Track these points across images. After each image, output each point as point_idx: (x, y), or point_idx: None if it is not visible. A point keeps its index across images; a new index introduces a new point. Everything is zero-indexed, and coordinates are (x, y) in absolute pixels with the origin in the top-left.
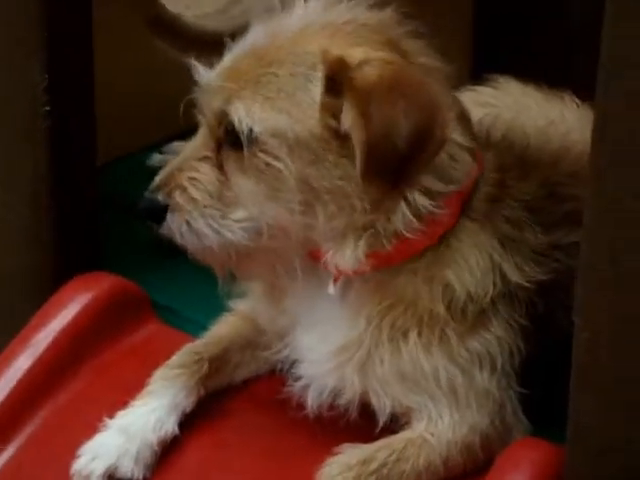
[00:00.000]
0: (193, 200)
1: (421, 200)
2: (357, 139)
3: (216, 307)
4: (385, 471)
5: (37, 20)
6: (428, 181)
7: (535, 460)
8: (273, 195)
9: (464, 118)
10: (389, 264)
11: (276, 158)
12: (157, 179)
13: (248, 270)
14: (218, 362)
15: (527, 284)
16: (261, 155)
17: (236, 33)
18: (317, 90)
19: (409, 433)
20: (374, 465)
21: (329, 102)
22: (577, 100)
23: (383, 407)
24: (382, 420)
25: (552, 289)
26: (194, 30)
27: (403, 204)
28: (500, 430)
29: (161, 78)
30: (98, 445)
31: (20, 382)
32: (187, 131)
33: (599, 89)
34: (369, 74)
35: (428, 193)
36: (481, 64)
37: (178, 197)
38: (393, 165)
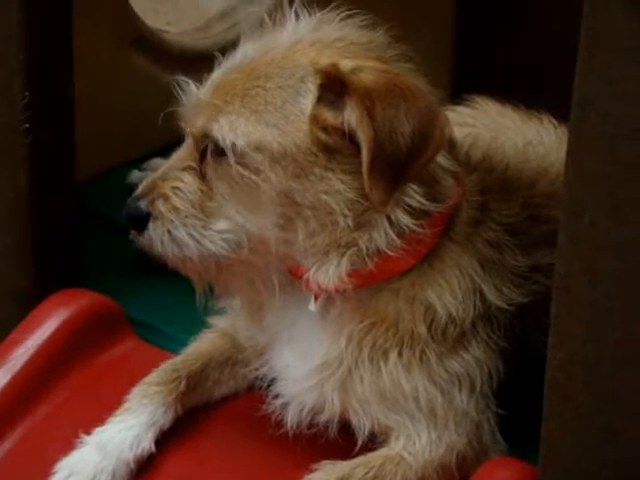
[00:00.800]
0: (175, 209)
1: (403, 218)
2: (365, 138)
3: (195, 324)
4: None
5: (17, 38)
6: (413, 199)
7: (509, 479)
8: (254, 207)
9: (451, 141)
10: (371, 282)
11: (256, 172)
12: (141, 187)
13: (227, 283)
14: (196, 379)
15: (506, 306)
16: (241, 168)
17: (219, 50)
18: (307, 102)
19: (387, 451)
20: None
21: (321, 113)
22: (554, 121)
23: (362, 426)
24: (361, 439)
25: (530, 311)
26: (176, 48)
27: (386, 222)
28: (477, 450)
29: (141, 96)
30: (75, 462)
31: None
32: (166, 147)
33: (573, 116)
34: (366, 78)
35: (411, 211)
36: (460, 85)
37: (160, 206)
38: (396, 164)
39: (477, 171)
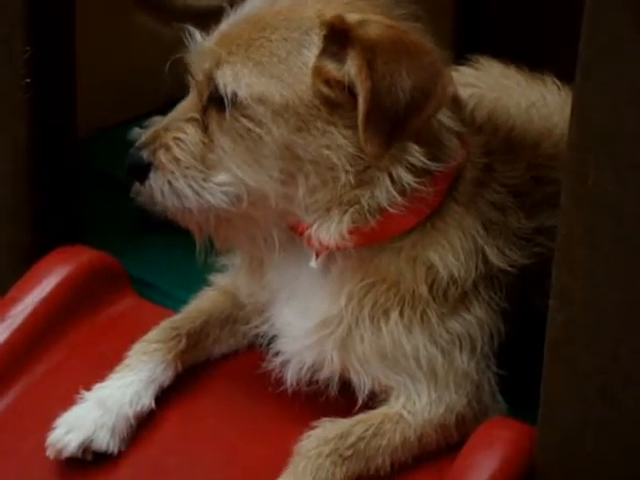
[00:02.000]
0: (176, 160)
1: (405, 176)
2: (362, 89)
3: (195, 282)
4: (362, 445)
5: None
6: (415, 157)
7: (507, 439)
8: (255, 161)
9: (456, 102)
10: (373, 242)
11: (259, 124)
12: (144, 136)
13: (227, 237)
14: (196, 337)
15: (509, 268)
16: (244, 120)
17: (221, 8)
18: (311, 55)
19: (386, 409)
20: (351, 439)
21: (324, 66)
22: (558, 83)
23: (363, 385)
24: (361, 398)
25: (533, 273)
26: (179, 5)
27: (387, 179)
28: (476, 410)
29: (143, 53)
30: (74, 417)
31: None
32: (168, 105)
33: (577, 78)
34: (372, 31)
35: (413, 170)
36: (463, 44)
37: (162, 156)
38: (393, 119)
39: (482, 132)
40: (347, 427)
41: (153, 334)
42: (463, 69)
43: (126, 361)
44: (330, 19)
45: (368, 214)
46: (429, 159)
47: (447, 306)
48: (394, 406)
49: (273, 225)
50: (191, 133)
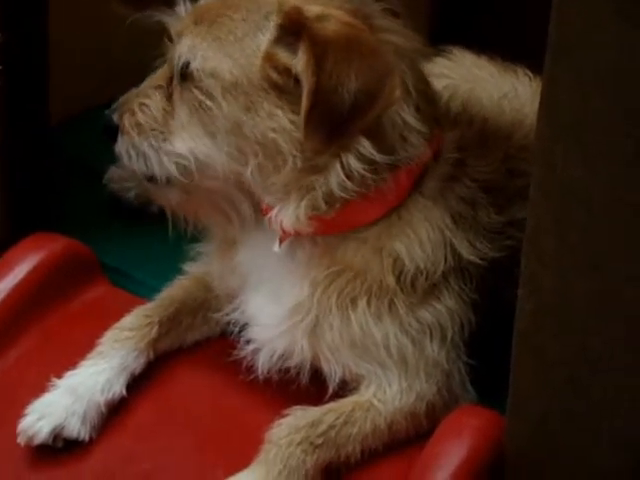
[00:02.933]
0: (138, 125)
1: (355, 164)
2: (307, 84)
3: (168, 270)
4: (332, 433)
5: None
6: (365, 148)
7: (476, 427)
8: (207, 133)
9: (429, 95)
10: (334, 230)
11: (210, 97)
12: (119, 100)
13: (192, 209)
14: (169, 324)
15: (479, 261)
16: (196, 92)
17: None
18: (265, 40)
19: (357, 397)
20: (322, 427)
21: (275, 53)
22: (530, 73)
23: (333, 373)
24: (332, 386)
25: (504, 264)
26: None
27: (338, 165)
28: (446, 399)
29: (117, 37)
30: (45, 404)
31: None
32: None
33: (546, 65)
34: (326, 27)
35: (362, 159)
36: (437, 34)
37: (126, 120)
38: (336, 118)
39: (457, 123)
40: (318, 415)
41: (125, 321)
42: (436, 59)
43: (98, 348)
44: (288, 9)
45: (325, 202)
46: (384, 153)
47: (416, 296)
48: (364, 394)
49: (240, 201)
50: (155, 100)
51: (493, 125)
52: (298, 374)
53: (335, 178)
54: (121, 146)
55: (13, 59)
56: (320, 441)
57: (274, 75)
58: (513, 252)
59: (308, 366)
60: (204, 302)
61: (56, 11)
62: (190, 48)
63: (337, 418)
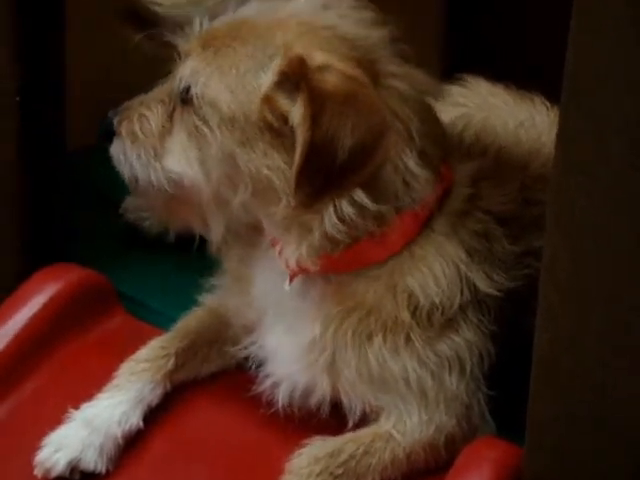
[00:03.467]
0: (133, 134)
1: (347, 209)
2: (302, 139)
3: (184, 300)
4: (353, 463)
5: (8, 10)
6: (358, 197)
7: (494, 459)
8: (199, 157)
9: (434, 141)
10: (343, 269)
11: (206, 124)
12: (124, 104)
13: (179, 213)
14: (185, 356)
15: (497, 293)
16: (194, 116)
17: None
18: (266, 80)
19: (376, 428)
20: (342, 457)
21: (274, 96)
22: (547, 103)
23: (354, 407)
24: (352, 419)
25: (522, 294)
26: (166, 21)
27: (331, 209)
28: (466, 431)
29: (133, 68)
30: (62, 437)
31: None
32: None
33: (563, 102)
34: (327, 80)
35: (356, 205)
36: (452, 63)
37: (124, 127)
38: (327, 173)
39: (471, 154)
40: (338, 445)
41: (142, 353)
42: (451, 88)
43: (115, 380)
44: (292, 57)
45: (325, 241)
46: (382, 201)
47: (433, 330)
48: (384, 425)
49: (226, 217)
50: (155, 113)
51: (508, 154)
52: (318, 408)
53: (329, 220)
54: (114, 149)
55: (30, 90)
56: (340, 471)
57: (271, 118)
58: (531, 281)
59: (328, 400)
60: (220, 334)
61: (72, 42)
62: (193, 72)
63: (357, 448)
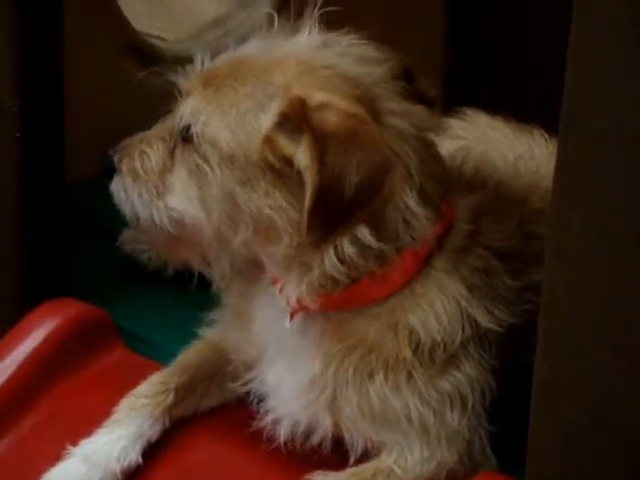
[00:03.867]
0: (135, 171)
1: (348, 249)
2: (310, 182)
3: (184, 334)
4: None
5: (7, 44)
6: (362, 235)
7: None
8: (200, 197)
9: (434, 178)
10: (343, 307)
11: (206, 162)
12: (124, 142)
13: (178, 252)
14: (184, 391)
15: (498, 328)
16: (195, 155)
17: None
18: (266, 121)
19: (377, 463)
20: None
21: (275, 138)
22: (545, 135)
23: (355, 443)
24: (354, 455)
25: (522, 329)
26: (168, 55)
27: (331, 250)
28: (467, 466)
29: (132, 100)
30: (61, 473)
31: None
32: None
33: (561, 131)
34: (328, 119)
35: (358, 244)
36: (454, 64)
37: (124, 164)
38: (338, 212)
39: (470, 189)
40: None
41: (141, 389)
42: (450, 121)
43: (114, 416)
44: (292, 98)
45: (325, 280)
46: (383, 239)
47: (435, 368)
48: (386, 460)
49: (227, 254)
50: (156, 151)
51: (507, 188)
52: (320, 444)
53: (328, 261)
54: (115, 186)
55: (29, 124)
56: None
57: (272, 159)
58: (531, 316)
59: (330, 437)
60: (220, 369)
61: (71, 74)
62: (193, 111)
63: None
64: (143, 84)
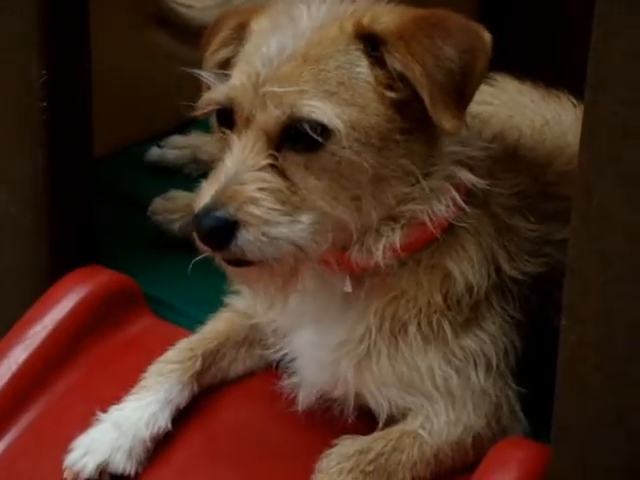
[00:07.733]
0: (270, 210)
1: (464, 174)
2: (413, 75)
3: (212, 301)
4: (382, 460)
5: (36, 16)
6: (470, 147)
7: (522, 459)
8: (339, 193)
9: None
10: (402, 255)
11: (356, 153)
12: (211, 198)
13: (295, 283)
14: (212, 358)
15: (520, 277)
16: (339, 152)
17: None
18: (364, 70)
19: (404, 426)
20: (371, 455)
21: (377, 74)
22: (573, 100)
23: (380, 408)
24: (381, 422)
25: (544, 283)
26: (196, 23)
27: (451, 187)
28: (495, 431)
29: (160, 72)
30: (91, 440)
31: (15, 375)
32: (185, 125)
33: (586, 100)
34: (389, 21)
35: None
36: None
37: (253, 210)
38: (455, 86)
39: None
40: (366, 443)
41: (170, 355)
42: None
43: (143, 382)
44: (353, 29)
45: (427, 219)
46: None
47: (462, 315)
48: (412, 424)
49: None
50: (272, 180)
51: (526, 150)
52: (342, 411)
53: (444, 200)
54: (247, 239)
55: (57, 96)
56: (371, 468)
57: (390, 94)
58: (553, 271)
59: (352, 401)
60: (247, 337)
61: (98, 46)
62: (321, 111)
63: (385, 445)
64: (170, 54)
